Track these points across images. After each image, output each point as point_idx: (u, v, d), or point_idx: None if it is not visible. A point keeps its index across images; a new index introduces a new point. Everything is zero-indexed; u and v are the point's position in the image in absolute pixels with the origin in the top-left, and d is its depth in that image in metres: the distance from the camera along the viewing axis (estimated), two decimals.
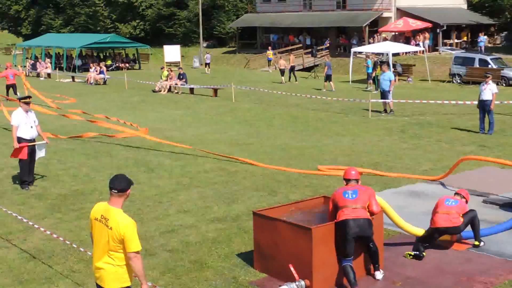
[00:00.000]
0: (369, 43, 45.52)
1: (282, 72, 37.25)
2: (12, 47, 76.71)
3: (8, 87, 29.51)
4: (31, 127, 12.76)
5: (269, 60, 47.79)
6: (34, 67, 46.54)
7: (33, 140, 12.88)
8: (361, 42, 46.91)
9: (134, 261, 5.54)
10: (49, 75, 44.31)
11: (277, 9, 55.79)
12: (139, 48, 53.65)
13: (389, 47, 36.69)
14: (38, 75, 44.97)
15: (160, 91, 32.89)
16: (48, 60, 47.76)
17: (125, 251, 5.55)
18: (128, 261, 5.58)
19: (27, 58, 55.75)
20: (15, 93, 29.86)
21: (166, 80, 33.36)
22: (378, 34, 47.01)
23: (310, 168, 14.18)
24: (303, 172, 13.82)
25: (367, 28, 46.87)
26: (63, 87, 36.83)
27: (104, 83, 38.29)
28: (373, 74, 33.14)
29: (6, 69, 30.69)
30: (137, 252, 5.53)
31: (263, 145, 17.34)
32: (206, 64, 46.92)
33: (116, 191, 5.61)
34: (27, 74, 45.95)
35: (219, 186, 12.79)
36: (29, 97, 13.08)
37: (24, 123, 12.68)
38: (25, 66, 49.87)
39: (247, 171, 14.07)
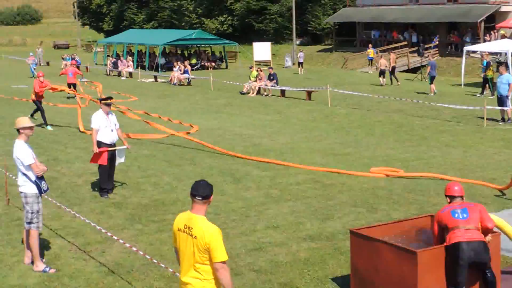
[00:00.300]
0: (485, 41, 44.18)
1: (382, 73, 36.78)
2: (93, 44, 79.85)
3: (68, 85, 30.82)
4: (112, 130, 13.19)
5: (370, 60, 47.31)
6: (115, 65, 48.18)
7: (113, 145, 13.31)
8: (475, 40, 45.64)
9: (221, 272, 5.61)
10: (130, 74, 45.77)
11: (379, 2, 55.21)
12: (226, 46, 54.52)
13: (508, 46, 35.49)
14: (119, 74, 46.58)
15: (249, 93, 33.24)
16: (130, 58, 49.35)
17: (211, 262, 5.63)
18: (215, 273, 5.65)
19: (108, 56, 57.82)
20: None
21: (255, 81, 33.68)
22: (495, 30, 45.57)
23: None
24: (352, 173, 14.72)
25: (482, 24, 45.55)
26: (144, 87, 37.94)
27: (188, 83, 39.14)
28: (487, 76, 31.92)
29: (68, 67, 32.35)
30: (224, 262, 5.60)
31: (362, 156, 17.17)
32: (299, 63, 47.03)
33: (200, 198, 5.74)
34: (108, 73, 47.76)
35: (312, 200, 12.76)
36: (110, 98, 13.49)
37: (105, 126, 13.12)
38: (106, 65, 51.81)
39: (343, 184, 13.97)
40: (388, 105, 27.60)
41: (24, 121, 9.45)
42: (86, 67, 51.10)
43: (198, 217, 5.74)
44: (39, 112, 22.88)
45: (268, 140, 19.79)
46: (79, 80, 32.16)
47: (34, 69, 47.52)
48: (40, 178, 9.36)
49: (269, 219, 11.55)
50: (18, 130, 9.40)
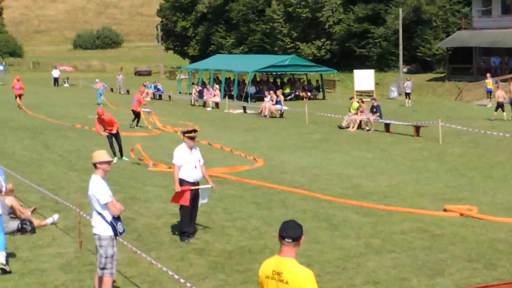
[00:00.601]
0: None
1: (500, 106, 35.83)
2: (177, 70, 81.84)
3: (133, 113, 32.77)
4: (195, 167, 13.37)
5: (489, 92, 46.13)
6: (200, 94, 49.07)
7: (196, 183, 13.48)
8: None
9: None
10: (217, 104, 46.47)
11: (500, 25, 54.16)
12: (324, 73, 54.69)
13: None
14: (204, 105, 47.41)
15: (348, 127, 33.13)
16: (217, 86, 50.16)
17: None
18: None
19: (193, 83, 59.12)
20: (137, 124, 33.66)
21: (356, 113, 33.55)
22: None
23: None
24: (423, 212, 14.87)
25: None
26: (231, 119, 38.47)
27: (281, 115, 39.41)
28: None
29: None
30: None
31: (479, 202, 16.73)
32: (406, 94, 46.56)
33: (290, 240, 5.79)
34: (192, 103, 48.73)
35: (419, 252, 12.51)
36: (195, 130, 13.69)
37: (188, 162, 13.29)
38: (190, 93, 52.92)
39: (456, 234, 13.63)
40: (510, 143, 26.86)
41: (102, 154, 9.71)
42: (169, 96, 52.37)
43: (288, 260, 5.78)
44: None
45: (369, 181, 19.60)
46: (142, 109, 33.36)
47: (101, 95, 49.90)
48: (117, 218, 9.56)
49: (369, 273, 11.38)
50: (94, 164, 9.68)
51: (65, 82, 73.91)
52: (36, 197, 17.38)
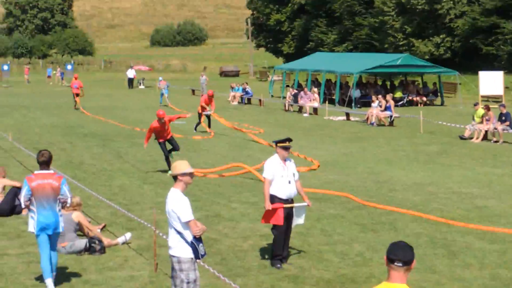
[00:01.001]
0: None
1: None
2: (269, 70, 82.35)
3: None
4: (289, 182, 13.36)
5: None
6: (296, 98, 49.11)
7: (290, 201, 13.47)
8: None
9: None
10: (315, 110, 46.42)
11: None
12: (443, 75, 53.93)
13: None
14: (300, 110, 47.43)
15: (472, 138, 32.57)
16: (315, 89, 50.06)
17: None
18: None
19: (287, 86, 59.26)
20: (195, 128, 35.39)
21: (481, 122, 32.96)
22: None
23: None
24: None
25: None
26: (332, 127, 38.38)
27: (391, 123, 39.08)
28: None
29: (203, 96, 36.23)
30: None
31: None
32: None
33: (400, 264, 5.77)
34: (286, 109, 48.87)
35: None
36: (289, 139, 13.67)
37: (280, 176, 13.28)
38: (284, 97, 53.06)
39: None
40: None
41: (183, 165, 9.79)
42: (260, 101, 52.64)
43: (399, 286, 5.76)
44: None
45: (496, 202, 19.21)
46: (204, 113, 35.10)
47: (166, 96, 51.71)
48: (198, 239, 9.63)
49: None
50: (175, 177, 9.79)
51: (140, 83, 75.26)
52: (106, 213, 17.76)
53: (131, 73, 75.24)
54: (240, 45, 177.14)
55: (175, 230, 9.63)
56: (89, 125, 37.91)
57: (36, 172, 12.29)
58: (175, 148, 23.73)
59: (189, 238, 9.57)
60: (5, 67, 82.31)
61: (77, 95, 47.93)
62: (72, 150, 28.93)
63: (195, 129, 35.27)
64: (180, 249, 9.62)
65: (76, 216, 14.93)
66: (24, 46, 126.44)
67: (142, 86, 74.34)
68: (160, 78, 56.34)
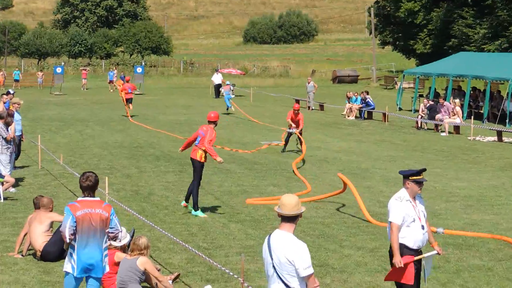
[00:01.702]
0: None
1: None
2: (398, 75, 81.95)
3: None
4: (423, 227, 13.13)
5: None
6: (432, 112, 48.51)
7: (420, 251, 13.28)
8: None
9: None
10: (456, 128, 45.79)
11: None
12: None
13: None
14: (436, 128, 46.85)
15: None
16: (457, 101, 49.43)
17: None
18: None
19: (420, 95, 58.91)
20: (284, 149, 36.14)
21: None
22: None
23: None
24: None
25: None
26: (478, 151, 37.81)
27: None
28: None
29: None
30: None
31: None
32: None
33: None
34: (419, 126, 48.39)
35: None
36: (424, 169, 13.43)
37: (412, 220, 13.04)
38: (416, 111, 52.56)
39: None
40: None
41: (298, 202, 10.01)
42: (384, 115, 52.17)
43: None
44: None
45: None
46: (288, 130, 36.40)
47: (230, 100, 53.24)
48: None
49: None
50: (287, 217, 9.94)
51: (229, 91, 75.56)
52: (181, 259, 17.86)
53: (217, 78, 74.56)
54: (360, 43, 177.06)
55: (284, 283, 9.69)
56: (162, 144, 38.17)
57: (80, 199, 12.42)
58: None
59: None
60: (58, 70, 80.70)
61: (131, 101, 48.72)
62: (139, 177, 29.22)
63: (283, 150, 36.01)
64: None
65: (142, 262, 15.01)
66: (83, 43, 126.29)
67: (231, 95, 74.20)
68: (228, 82, 57.51)
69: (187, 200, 22.92)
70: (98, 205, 12.31)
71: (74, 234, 12.12)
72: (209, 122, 23.33)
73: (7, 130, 25.11)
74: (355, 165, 32.17)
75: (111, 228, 12.29)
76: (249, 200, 24.36)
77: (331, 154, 35.08)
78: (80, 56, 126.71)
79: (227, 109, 56.70)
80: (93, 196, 12.41)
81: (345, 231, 20.78)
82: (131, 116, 49.14)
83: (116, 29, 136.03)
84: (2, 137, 24.88)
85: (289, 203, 9.83)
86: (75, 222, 12.08)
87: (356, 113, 54.97)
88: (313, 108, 62.20)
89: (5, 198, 23.73)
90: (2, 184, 23.92)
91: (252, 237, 19.37)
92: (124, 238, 15.16)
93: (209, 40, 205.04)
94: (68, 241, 12.25)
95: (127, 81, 52.99)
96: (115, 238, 12.56)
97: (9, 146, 25.19)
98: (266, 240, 9.96)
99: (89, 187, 12.35)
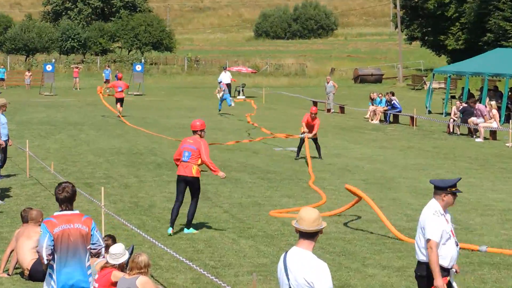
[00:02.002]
0: None
1: None
2: (427, 74, 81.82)
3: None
4: (456, 243, 13.10)
5: None
6: (464, 116, 48.42)
7: (451, 271, 13.25)
8: None
9: None
10: (493, 133, 45.65)
11: None
12: None
13: None
14: (470, 133, 46.76)
15: None
16: (493, 103, 49.28)
17: None
18: None
19: (452, 97, 58.84)
20: (297, 155, 36.30)
21: None
22: None
23: None
24: None
25: None
26: (501, 158, 37.74)
27: None
28: None
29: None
30: None
31: None
32: None
33: None
34: (451, 130, 48.30)
35: None
36: (459, 179, 13.41)
37: (448, 238, 12.95)
38: (448, 114, 52.49)
39: None
40: None
41: (314, 215, 10.16)
42: (411, 118, 52.03)
43: None
44: None
45: None
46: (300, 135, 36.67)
47: (230, 99, 52.93)
48: None
49: None
50: (306, 233, 10.05)
51: (239, 92, 75.28)
52: (185, 278, 17.90)
53: (226, 78, 74.03)
54: (385, 38, 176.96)
55: None
56: (164, 151, 38.09)
57: (57, 213, 12.36)
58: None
59: None
60: (48, 68, 79.53)
61: (122, 101, 49.04)
62: (139, 187, 29.23)
63: (297, 156, 36.25)
64: None
65: (143, 282, 14.99)
66: (75, 37, 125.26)
67: (241, 96, 74.05)
68: (220, 81, 58.40)
69: (173, 224, 22.17)
70: (78, 219, 12.26)
71: (52, 253, 12.07)
72: (194, 132, 22.70)
73: None
74: (379, 175, 32.13)
75: (92, 244, 12.25)
76: (273, 212, 24.32)
77: (353, 162, 35.04)
78: (72, 52, 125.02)
79: (219, 110, 57.02)
80: (71, 209, 12.35)
81: (368, 248, 20.78)
82: (123, 116, 49.29)
83: (112, 22, 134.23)
84: None
85: (309, 217, 9.85)
86: (52, 240, 12.02)
87: (380, 116, 54.88)
88: (332, 110, 62.16)
89: None
90: None
91: (265, 255, 19.39)
92: (123, 255, 15.10)
93: (216, 35, 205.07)
94: (46, 262, 12.16)
95: (120, 79, 52.95)
96: (98, 254, 12.54)
97: None
98: (281, 258, 9.98)
99: (66, 199, 12.29)
